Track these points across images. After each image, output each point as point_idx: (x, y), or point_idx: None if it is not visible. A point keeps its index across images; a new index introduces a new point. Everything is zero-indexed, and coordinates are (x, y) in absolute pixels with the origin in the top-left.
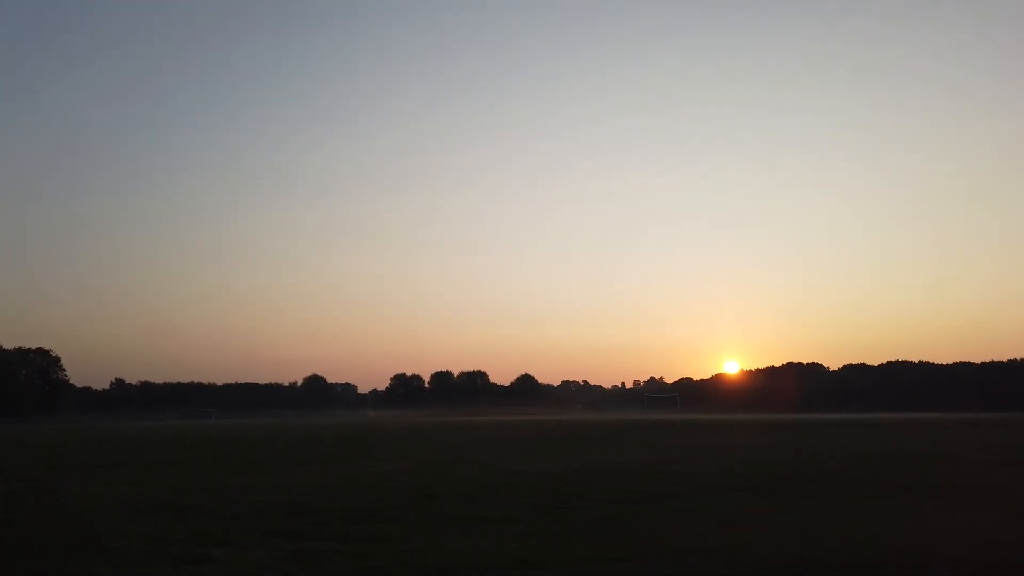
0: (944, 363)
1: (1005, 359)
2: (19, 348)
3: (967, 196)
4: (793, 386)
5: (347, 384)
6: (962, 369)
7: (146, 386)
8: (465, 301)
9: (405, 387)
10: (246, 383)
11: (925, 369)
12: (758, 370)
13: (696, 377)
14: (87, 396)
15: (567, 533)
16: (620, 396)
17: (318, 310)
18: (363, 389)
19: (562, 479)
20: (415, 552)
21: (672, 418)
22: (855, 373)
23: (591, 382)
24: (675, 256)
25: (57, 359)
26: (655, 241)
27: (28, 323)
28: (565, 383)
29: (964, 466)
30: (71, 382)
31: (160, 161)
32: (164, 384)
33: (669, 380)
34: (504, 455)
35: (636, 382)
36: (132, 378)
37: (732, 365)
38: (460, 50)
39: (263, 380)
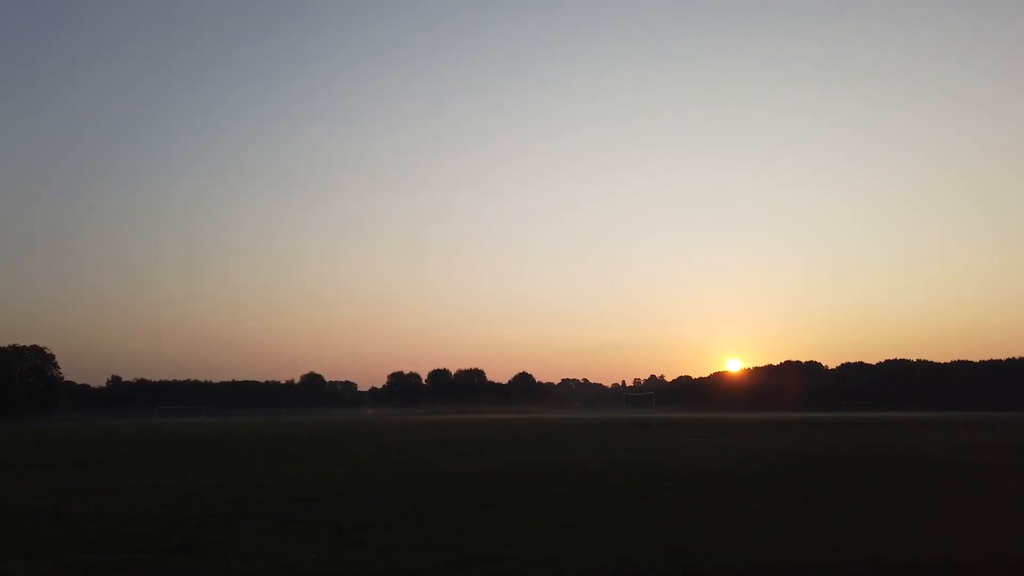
0: (943, 362)
1: (1004, 358)
2: (13, 346)
3: (966, 197)
4: (791, 385)
5: (347, 382)
6: (961, 368)
7: (142, 384)
8: (465, 300)
9: (402, 385)
10: (244, 381)
11: (924, 368)
12: (757, 368)
13: (695, 375)
14: (84, 394)
15: (392, 541)
16: (619, 394)
17: (317, 308)
18: (363, 387)
19: (471, 480)
20: (209, 565)
21: (648, 417)
22: (853, 372)
23: (591, 380)
24: (676, 255)
25: (52, 357)
26: (656, 240)
27: (26, 321)
28: (565, 381)
29: (891, 468)
30: (70, 380)
31: (159, 160)
32: (160, 382)
33: (669, 378)
34: (444, 456)
35: (637, 380)
36: (130, 376)
37: (732, 364)
38: (462, 50)
39: (261, 378)
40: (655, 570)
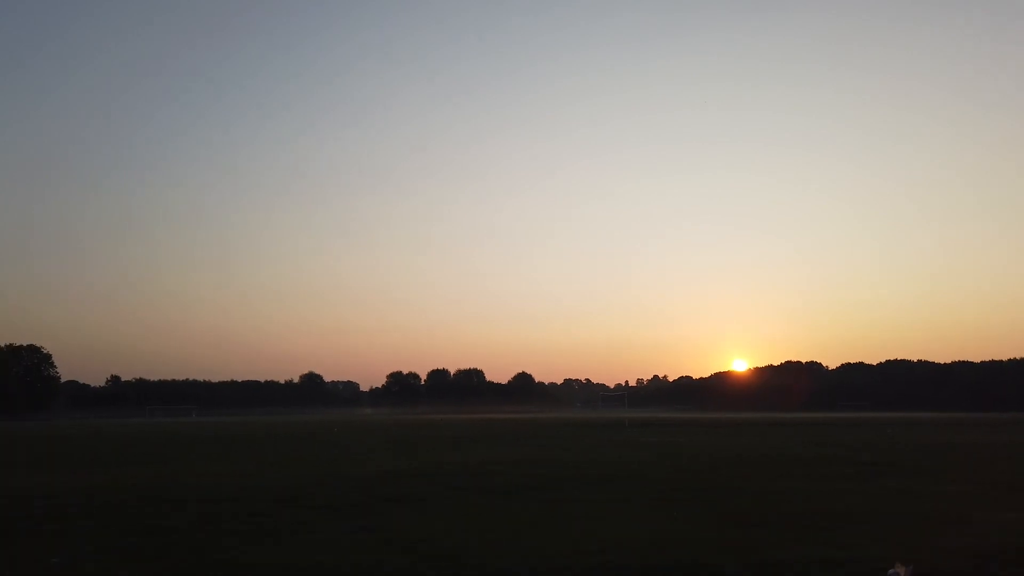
0: (943, 362)
1: (1005, 359)
2: (10, 345)
3: (967, 197)
4: (792, 385)
5: (349, 382)
6: (961, 368)
7: (141, 383)
8: (466, 299)
9: (401, 385)
10: (243, 380)
11: (924, 368)
12: (758, 369)
13: (696, 376)
14: (84, 393)
15: (163, 549)
16: (622, 395)
17: (317, 308)
18: (364, 387)
19: (340, 482)
20: None
21: (621, 416)
22: (854, 372)
23: (594, 380)
24: (678, 255)
25: (48, 356)
26: (658, 240)
27: (24, 320)
28: (568, 381)
29: (769, 468)
30: (73, 379)
31: (161, 159)
32: (160, 381)
33: (672, 379)
34: (378, 457)
35: (640, 380)
36: (130, 375)
37: (732, 364)
38: (463, 50)
39: (262, 378)
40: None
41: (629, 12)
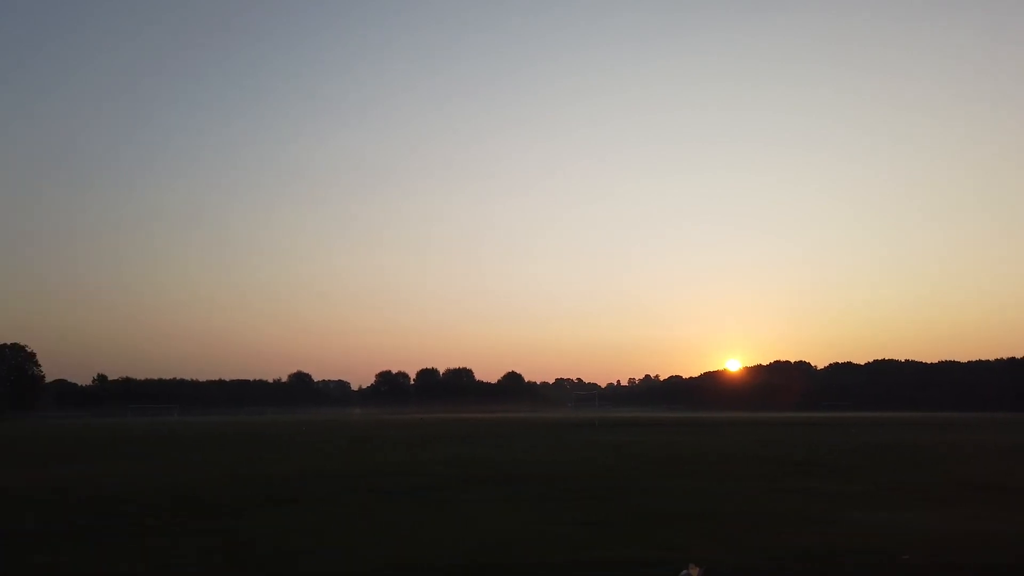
0: (930, 362)
1: (992, 359)
2: None
3: (956, 198)
4: (781, 385)
5: (340, 381)
6: (948, 368)
7: (127, 382)
8: (458, 299)
9: (390, 385)
10: (231, 380)
11: (911, 368)
12: (746, 369)
13: (686, 375)
14: (70, 392)
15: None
16: (613, 394)
17: (307, 307)
18: (356, 386)
19: (252, 483)
20: None
21: (605, 416)
22: (842, 372)
23: (586, 380)
24: (671, 255)
25: (33, 355)
26: (651, 240)
27: (9, 319)
28: (560, 381)
29: (690, 467)
30: (62, 378)
31: (152, 158)
32: (146, 380)
33: (663, 378)
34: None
35: (632, 380)
36: (119, 374)
37: (725, 364)
38: (461, 49)
39: (251, 377)
40: None
41: (629, 12)
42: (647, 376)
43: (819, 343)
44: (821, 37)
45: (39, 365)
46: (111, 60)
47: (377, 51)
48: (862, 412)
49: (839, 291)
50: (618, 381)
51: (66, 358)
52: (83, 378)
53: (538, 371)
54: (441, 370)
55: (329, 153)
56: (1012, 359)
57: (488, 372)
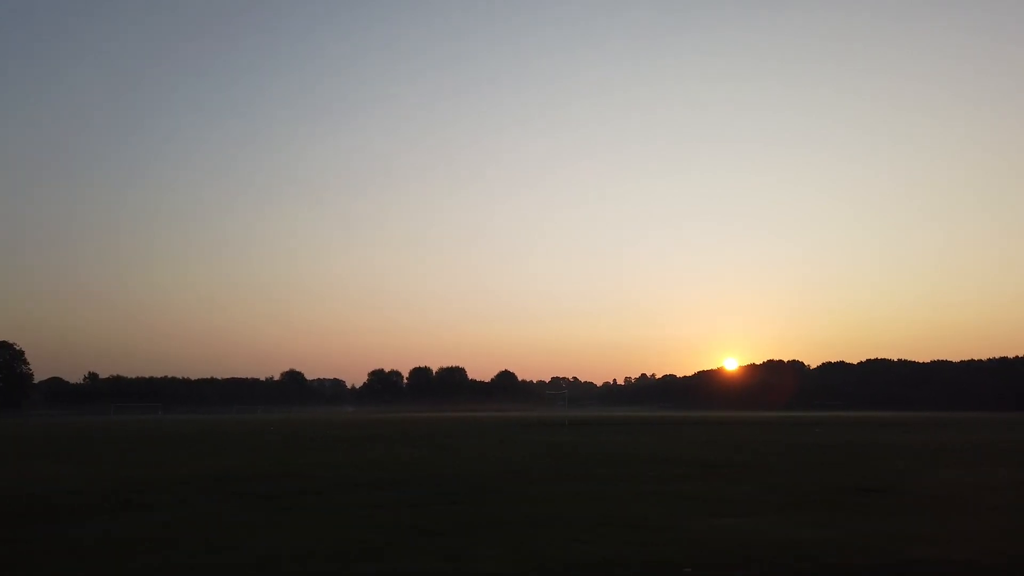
0: (922, 362)
1: (984, 358)
2: None
3: (949, 198)
4: (774, 384)
5: (335, 380)
6: (940, 368)
7: (117, 380)
8: (454, 298)
9: (383, 383)
10: (223, 378)
11: (903, 368)
12: (740, 368)
13: (680, 374)
14: (62, 390)
15: None
16: (606, 393)
17: (301, 306)
18: (350, 385)
19: (132, 485)
20: None
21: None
22: (834, 371)
23: (581, 379)
24: (666, 254)
25: (21, 352)
26: (647, 240)
27: (4, 317)
28: (555, 380)
29: (596, 466)
30: (57, 376)
31: (148, 156)
32: (137, 379)
33: (659, 376)
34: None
35: (628, 379)
36: (111, 372)
37: (723, 362)
38: (458, 49)
39: (246, 375)
40: None
41: (628, 11)
42: (643, 375)
43: (812, 342)
44: (817, 36)
45: (28, 363)
46: (106, 57)
47: (373, 50)
48: (850, 412)
49: (833, 291)
50: (614, 380)
51: (60, 356)
52: (77, 376)
53: (534, 370)
54: (434, 369)
55: (323, 152)
56: (1004, 359)
57: (482, 371)
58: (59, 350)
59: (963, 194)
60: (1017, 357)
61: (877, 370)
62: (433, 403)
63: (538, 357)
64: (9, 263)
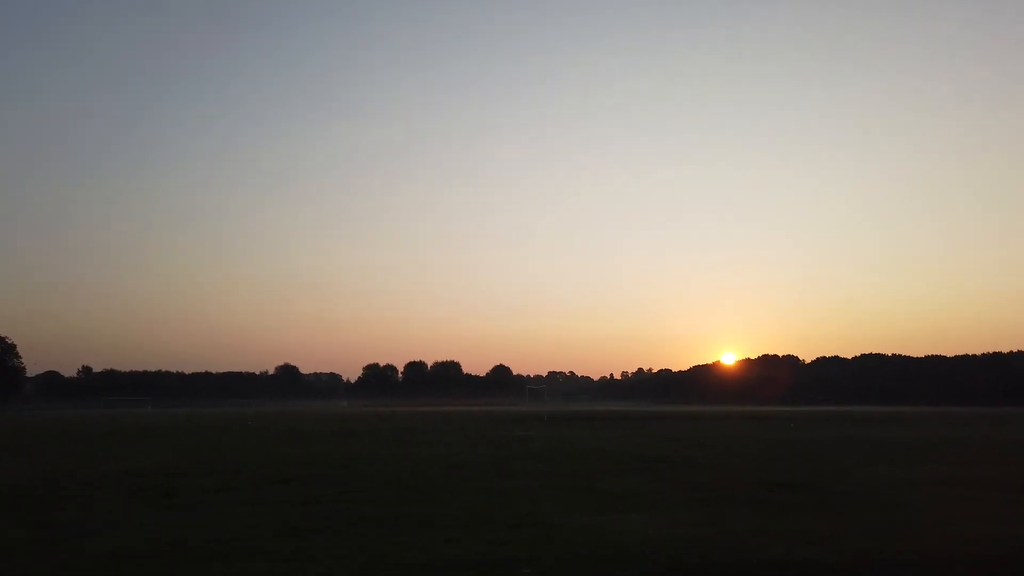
0: (917, 356)
1: (979, 353)
2: None
3: (945, 193)
4: (769, 378)
5: (332, 373)
6: (934, 363)
7: (111, 374)
8: (449, 292)
9: (378, 377)
10: (217, 372)
11: (898, 362)
12: (736, 362)
13: (676, 368)
14: (56, 384)
15: None
16: (602, 387)
17: (296, 300)
18: (345, 379)
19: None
20: None
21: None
22: (829, 366)
23: (578, 373)
24: (663, 249)
25: (13, 346)
26: (645, 234)
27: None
28: (552, 374)
29: (554, 465)
30: (53, 369)
31: (145, 151)
32: (131, 372)
33: (656, 370)
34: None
35: (624, 373)
36: (106, 366)
37: (721, 357)
38: (454, 45)
39: (241, 369)
40: None
41: (622, 5)
42: (640, 369)
43: (807, 337)
44: (812, 31)
45: (19, 357)
46: (103, 52)
47: (369, 47)
48: (841, 406)
49: (828, 285)
50: (611, 374)
51: (55, 350)
52: (73, 370)
53: (530, 364)
54: (429, 363)
55: (319, 147)
56: (998, 353)
57: (478, 365)
58: (54, 344)
59: (958, 190)
60: (1012, 352)
61: (871, 364)
62: (428, 397)
63: (535, 352)
64: (4, 257)
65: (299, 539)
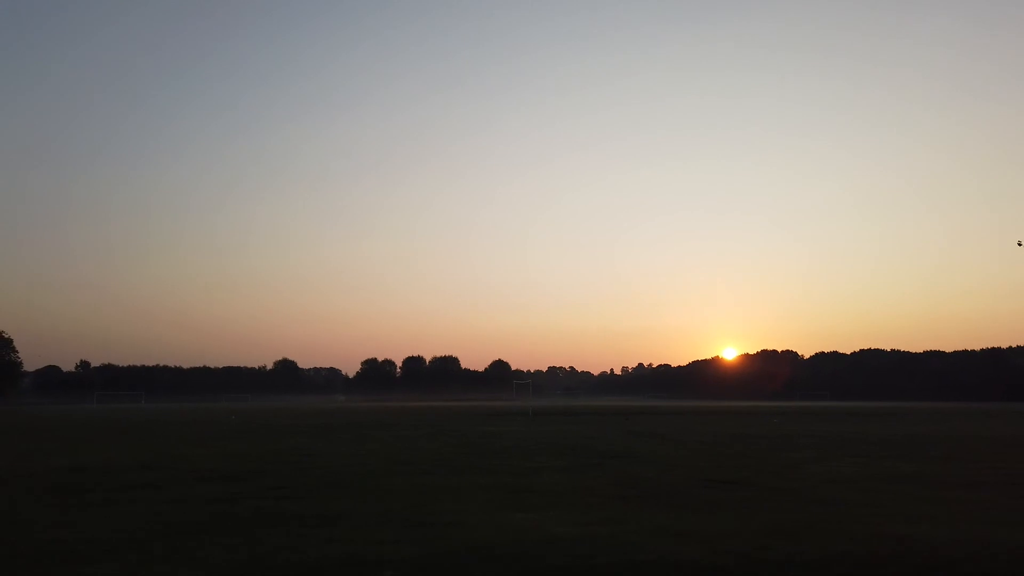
0: (915, 352)
1: (977, 348)
2: None
3: (943, 191)
4: (768, 373)
5: (331, 368)
6: (932, 358)
7: (108, 368)
8: (450, 288)
9: (376, 372)
10: (216, 367)
11: (896, 357)
12: (736, 357)
13: (675, 364)
14: (54, 378)
15: None
16: (602, 382)
17: (295, 296)
18: (344, 374)
19: None
20: None
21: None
22: (827, 361)
23: (579, 369)
24: (664, 246)
25: (10, 341)
26: (645, 230)
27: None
28: (552, 369)
29: (502, 457)
30: (54, 364)
31: (142, 146)
32: (128, 367)
33: (656, 365)
34: (113, 450)
35: (625, 368)
36: (105, 361)
37: (715, 352)
38: (454, 40)
39: (239, 364)
40: None
41: (620, 5)
42: (640, 364)
43: (806, 332)
44: (813, 28)
45: (16, 351)
46: (99, 47)
47: (367, 41)
48: (839, 402)
49: (827, 281)
50: (611, 370)
51: (54, 345)
52: (71, 365)
53: (531, 360)
54: (427, 358)
55: (318, 142)
56: (996, 349)
57: (476, 361)
58: (53, 339)
59: (958, 186)
60: (1010, 347)
61: (870, 360)
62: (426, 392)
63: (535, 347)
64: (2, 253)
65: (183, 539)
